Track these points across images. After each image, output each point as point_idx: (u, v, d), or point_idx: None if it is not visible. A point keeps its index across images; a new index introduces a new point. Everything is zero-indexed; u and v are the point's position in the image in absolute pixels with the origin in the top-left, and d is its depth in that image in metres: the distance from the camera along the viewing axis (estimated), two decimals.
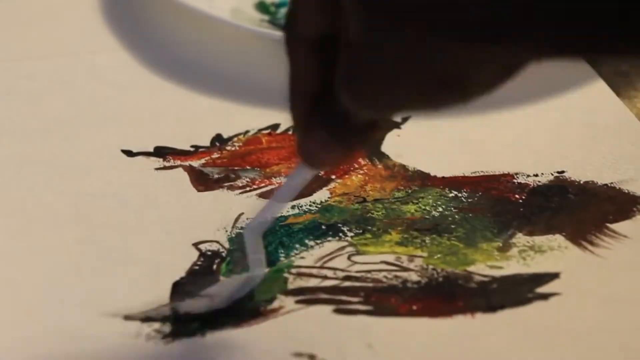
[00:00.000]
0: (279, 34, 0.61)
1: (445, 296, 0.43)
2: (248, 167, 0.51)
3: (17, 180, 0.50)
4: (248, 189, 0.50)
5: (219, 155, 0.52)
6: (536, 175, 0.50)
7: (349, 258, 0.45)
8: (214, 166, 0.51)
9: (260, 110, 0.56)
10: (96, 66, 0.60)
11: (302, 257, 0.45)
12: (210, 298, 0.43)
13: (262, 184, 0.50)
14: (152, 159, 0.52)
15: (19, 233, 0.47)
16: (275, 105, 0.56)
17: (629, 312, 0.43)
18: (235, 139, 0.53)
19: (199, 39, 0.63)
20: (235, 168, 0.51)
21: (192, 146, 0.53)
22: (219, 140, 0.53)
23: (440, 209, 0.48)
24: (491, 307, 0.43)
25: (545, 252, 0.46)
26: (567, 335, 0.41)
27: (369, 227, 0.47)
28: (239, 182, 0.50)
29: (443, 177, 0.50)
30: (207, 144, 0.53)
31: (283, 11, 0.65)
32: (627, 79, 0.59)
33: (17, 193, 0.49)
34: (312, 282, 0.44)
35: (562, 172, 0.51)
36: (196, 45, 0.62)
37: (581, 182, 0.50)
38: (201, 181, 0.50)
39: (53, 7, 0.67)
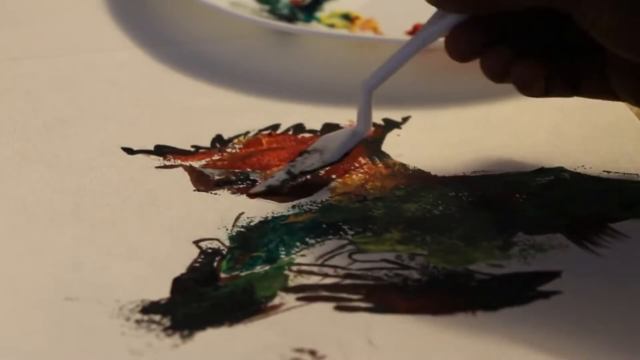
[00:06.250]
0: (278, 23, 0.61)
1: (446, 294, 0.43)
2: (249, 170, 0.51)
3: (18, 177, 0.50)
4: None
5: (219, 157, 0.52)
6: (536, 174, 0.50)
7: (349, 256, 0.45)
8: (215, 168, 0.51)
9: (261, 109, 0.56)
10: (96, 64, 0.60)
11: (303, 255, 0.45)
12: (320, 152, 0.46)
13: None
14: (152, 157, 0.52)
15: (19, 230, 0.47)
16: (276, 104, 0.57)
17: (630, 311, 0.43)
18: (236, 140, 0.53)
19: (200, 38, 0.63)
20: (236, 170, 0.51)
21: (192, 146, 0.53)
22: (219, 141, 0.53)
23: (441, 208, 0.48)
24: (492, 305, 0.42)
25: (546, 250, 0.46)
26: (568, 333, 0.41)
27: (370, 226, 0.47)
28: (240, 185, 0.50)
29: (444, 177, 0.50)
30: (208, 144, 0.53)
31: (284, 1, 0.65)
32: None
33: (18, 190, 0.49)
34: (313, 280, 0.44)
35: (563, 171, 0.51)
36: (196, 44, 0.63)
37: (581, 181, 0.50)
38: (202, 182, 0.50)
39: (54, 5, 0.67)
